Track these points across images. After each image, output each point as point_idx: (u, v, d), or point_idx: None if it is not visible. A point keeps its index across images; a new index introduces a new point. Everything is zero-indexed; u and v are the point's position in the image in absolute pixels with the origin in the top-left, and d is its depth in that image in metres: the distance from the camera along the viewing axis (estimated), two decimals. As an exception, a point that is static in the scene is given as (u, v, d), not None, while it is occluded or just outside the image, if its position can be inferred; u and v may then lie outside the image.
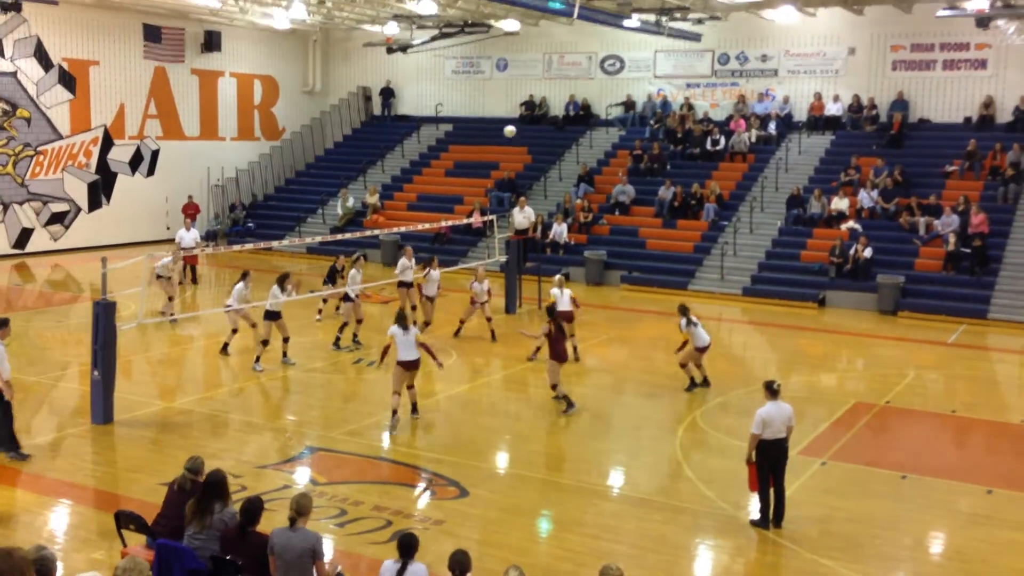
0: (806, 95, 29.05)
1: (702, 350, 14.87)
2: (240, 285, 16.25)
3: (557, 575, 8.84)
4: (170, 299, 19.50)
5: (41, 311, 20.89)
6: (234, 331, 16.72)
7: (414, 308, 18.73)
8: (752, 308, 22.82)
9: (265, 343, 15.95)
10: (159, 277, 19.45)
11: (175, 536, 7.72)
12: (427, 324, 18.25)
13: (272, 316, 15.95)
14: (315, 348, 17.53)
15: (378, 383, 15.70)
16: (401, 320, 13.08)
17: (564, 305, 16.41)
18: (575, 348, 16.70)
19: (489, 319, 18.55)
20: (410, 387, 13.22)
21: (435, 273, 18.63)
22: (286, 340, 16.31)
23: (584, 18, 24.82)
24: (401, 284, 18.97)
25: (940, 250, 23.14)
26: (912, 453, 12.79)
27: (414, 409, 13.31)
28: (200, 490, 7.82)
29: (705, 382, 15.10)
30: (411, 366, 12.98)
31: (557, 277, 17.90)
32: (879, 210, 24.97)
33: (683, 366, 15.04)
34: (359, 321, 17.73)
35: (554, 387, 13.94)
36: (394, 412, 12.90)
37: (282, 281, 16.12)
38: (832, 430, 13.41)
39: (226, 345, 16.78)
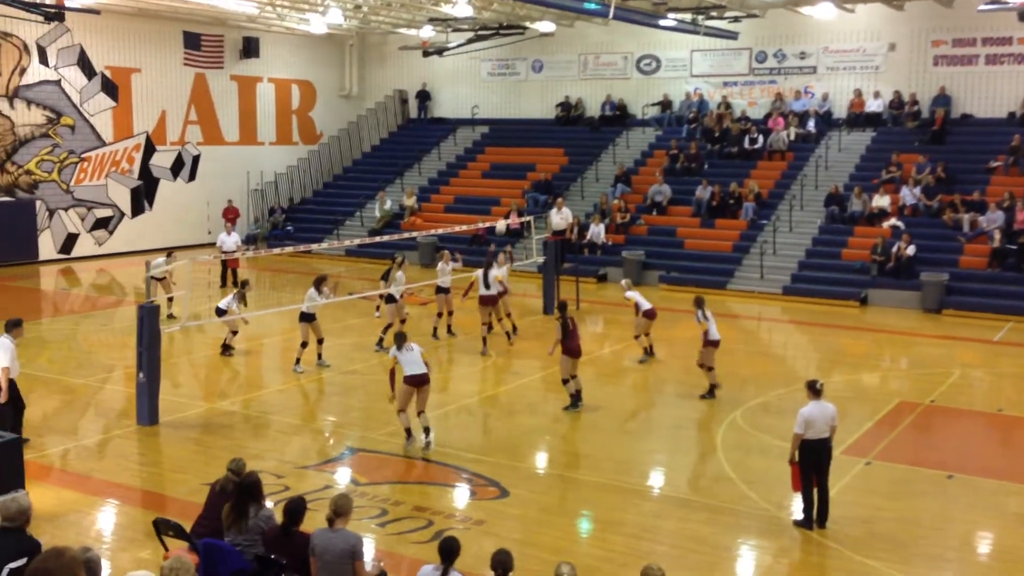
0: (846, 92, 28.74)
1: (714, 344, 14.73)
2: (312, 291, 16.09)
3: (598, 575, 8.81)
4: (169, 299, 19.33)
5: (87, 315, 21.24)
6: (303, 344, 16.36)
7: (451, 314, 18.55)
8: (793, 307, 22.61)
9: (304, 345, 16.04)
10: (155, 279, 19.00)
11: (216, 537, 7.79)
12: (446, 314, 18.42)
13: (307, 318, 15.99)
14: (356, 349, 17.64)
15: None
16: (399, 340, 12.18)
17: (646, 304, 16.52)
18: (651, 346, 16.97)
19: (508, 315, 18.42)
20: (420, 412, 12.18)
21: (449, 266, 18.70)
22: (320, 342, 16.34)
23: (619, 18, 24.75)
24: (439, 290, 18.56)
25: (985, 247, 22.78)
26: (958, 452, 12.60)
27: (426, 432, 12.21)
28: (235, 494, 7.90)
29: (711, 392, 14.63)
30: (418, 381, 12.01)
31: (624, 281, 18.17)
32: (922, 207, 24.63)
33: (701, 366, 14.86)
34: (402, 322, 17.65)
35: (565, 382, 13.86)
36: (407, 432, 12.20)
37: (319, 284, 16.17)
38: (876, 429, 13.24)
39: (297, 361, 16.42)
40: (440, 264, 19.04)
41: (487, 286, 17.53)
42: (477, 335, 17.82)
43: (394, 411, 12.36)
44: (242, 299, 17.06)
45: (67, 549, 5.45)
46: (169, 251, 20.32)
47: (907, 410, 14.24)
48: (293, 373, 15.89)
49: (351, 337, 18.58)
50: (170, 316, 19.07)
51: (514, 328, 18.47)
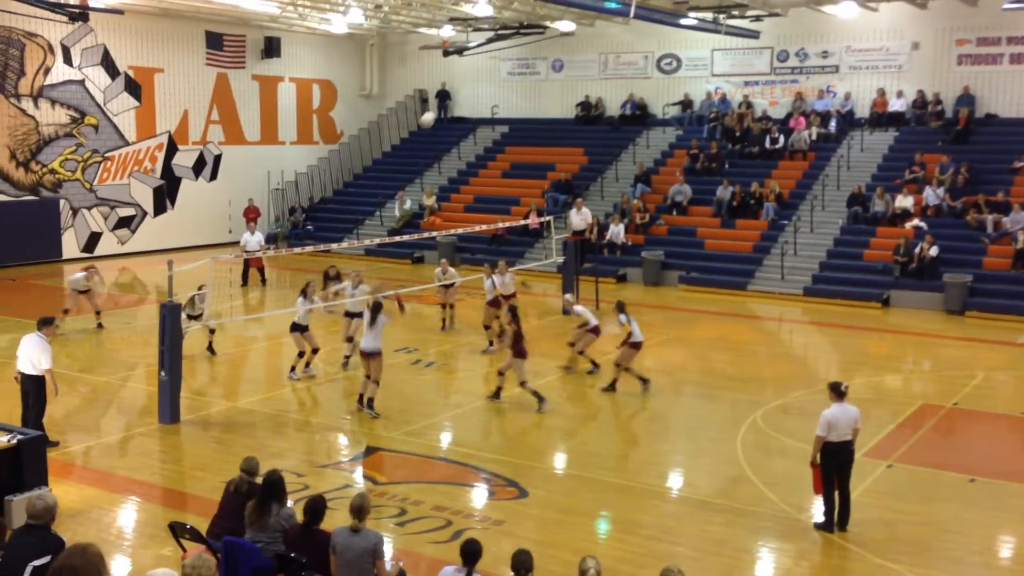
0: (868, 91, 28.55)
1: (636, 347, 14.80)
2: (300, 299, 15.67)
3: (617, 576, 8.81)
4: (65, 312, 18.48)
5: (109, 313, 21.39)
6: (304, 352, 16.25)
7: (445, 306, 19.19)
8: (814, 308, 22.48)
9: (301, 354, 15.54)
10: (77, 292, 18.70)
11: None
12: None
13: (298, 328, 15.43)
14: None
15: (435, 384, 15.81)
16: (373, 310, 13.59)
17: (594, 321, 15.88)
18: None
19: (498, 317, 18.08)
20: (370, 378, 13.60)
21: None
22: (315, 352, 15.75)
23: (640, 17, 24.67)
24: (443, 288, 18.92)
25: (1009, 248, 22.57)
26: (981, 456, 12.50)
27: (368, 404, 13.58)
28: (259, 492, 7.94)
29: (612, 386, 14.82)
30: (366, 354, 13.56)
31: (568, 296, 17.85)
32: (945, 208, 24.43)
33: (618, 366, 14.88)
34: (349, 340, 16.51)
35: (523, 384, 13.94)
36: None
37: (305, 290, 15.58)
38: (898, 432, 13.15)
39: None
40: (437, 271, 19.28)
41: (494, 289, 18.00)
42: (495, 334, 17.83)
43: (414, 409, 12.40)
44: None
45: (90, 545, 5.49)
46: (89, 266, 19.35)
47: (930, 413, 14.13)
48: (315, 365, 15.84)
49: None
50: (99, 326, 19.01)
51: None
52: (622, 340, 14.95)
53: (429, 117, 22.60)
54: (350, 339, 16.30)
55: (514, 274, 18.81)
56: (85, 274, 18.96)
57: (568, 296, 16.63)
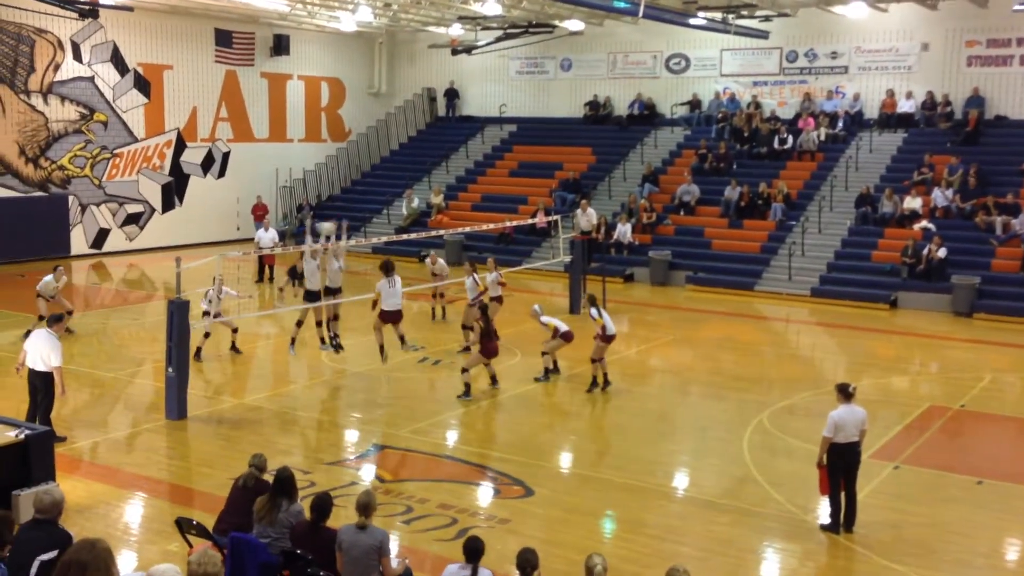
0: (877, 92, 28.47)
1: (608, 340, 14.83)
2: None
3: (622, 576, 8.81)
4: (69, 313, 17.68)
5: (117, 309, 21.47)
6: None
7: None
8: (821, 309, 22.44)
9: (319, 324, 15.66)
10: (43, 298, 17.76)
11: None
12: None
13: (331, 292, 15.57)
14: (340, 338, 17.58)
15: (443, 382, 15.80)
16: (385, 269, 14.58)
17: (564, 327, 15.54)
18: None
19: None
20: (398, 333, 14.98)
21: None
22: (334, 319, 15.98)
23: (649, 17, 24.65)
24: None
25: (1018, 250, 22.51)
26: (988, 458, 12.46)
27: (401, 340, 15.21)
28: (271, 487, 7.96)
29: (605, 382, 14.86)
30: (389, 317, 14.85)
31: (536, 307, 16.20)
32: (954, 209, 24.36)
33: (593, 360, 14.80)
34: (334, 317, 16.36)
35: (463, 371, 14.46)
36: (380, 348, 15.18)
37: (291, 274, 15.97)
38: (905, 434, 13.12)
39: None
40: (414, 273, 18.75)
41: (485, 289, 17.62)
42: (501, 334, 17.78)
43: (421, 406, 12.41)
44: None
45: (98, 541, 5.50)
46: (56, 266, 18.65)
47: (937, 414, 14.10)
48: (320, 370, 15.93)
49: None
50: (68, 331, 18.39)
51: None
52: (595, 334, 14.88)
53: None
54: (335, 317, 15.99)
55: (500, 274, 18.03)
56: (53, 275, 18.06)
57: (536, 307, 16.04)
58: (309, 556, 7.36)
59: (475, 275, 17.73)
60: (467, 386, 14.36)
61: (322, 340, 15.81)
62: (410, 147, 35.65)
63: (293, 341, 15.84)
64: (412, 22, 32.54)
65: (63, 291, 18.70)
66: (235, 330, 16.99)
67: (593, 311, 14.89)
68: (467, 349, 17.01)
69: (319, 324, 15.71)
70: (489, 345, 14.46)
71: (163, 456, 12.04)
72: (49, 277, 17.99)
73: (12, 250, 26.45)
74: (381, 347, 15.40)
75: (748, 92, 30.39)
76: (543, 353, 15.59)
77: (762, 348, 18.89)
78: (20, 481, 9.63)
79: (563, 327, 15.43)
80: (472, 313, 17.12)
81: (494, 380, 14.84)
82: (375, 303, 15.44)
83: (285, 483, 7.89)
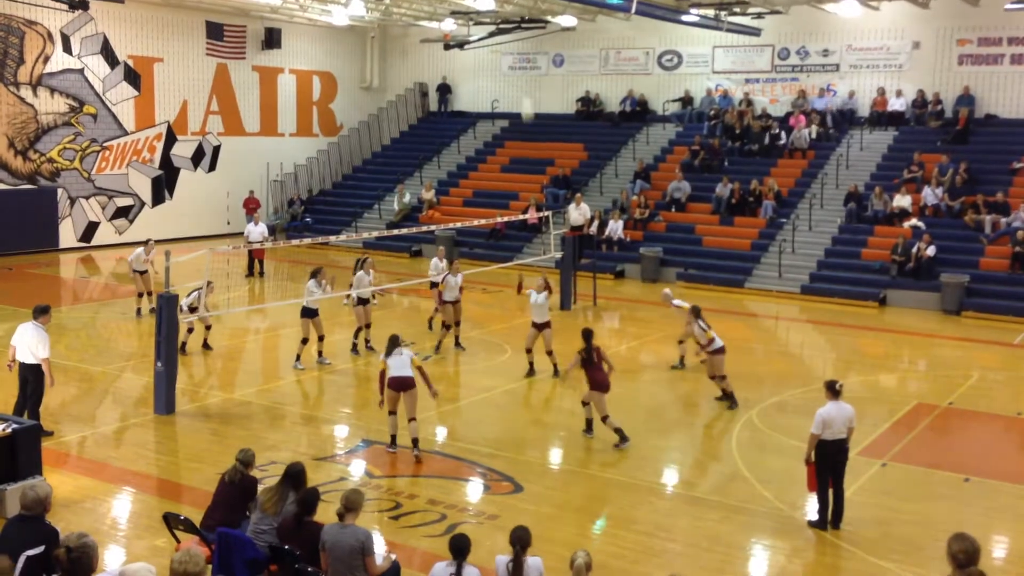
0: (869, 90, 28.55)
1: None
2: (311, 283, 15.78)
3: (610, 572, 8.80)
4: (139, 295, 19.29)
5: (106, 303, 21.38)
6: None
7: (368, 326, 17.03)
8: (811, 307, 22.50)
9: (304, 341, 15.74)
10: (136, 272, 19.16)
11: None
12: (446, 327, 17.15)
13: (309, 313, 15.64)
14: (373, 342, 17.63)
15: (432, 378, 15.76)
16: (390, 344, 11.92)
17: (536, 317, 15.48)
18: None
19: (458, 323, 17.20)
20: (410, 420, 11.72)
21: (456, 274, 17.36)
22: (321, 339, 15.96)
23: (642, 13, 24.67)
24: (433, 285, 18.07)
25: (1007, 249, 22.59)
26: (975, 456, 12.51)
27: (414, 444, 11.72)
28: (281, 479, 8.00)
29: (731, 398, 14.18)
30: (398, 384, 11.60)
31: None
32: (943, 208, 24.43)
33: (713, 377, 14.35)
34: (367, 326, 16.82)
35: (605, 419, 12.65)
36: (392, 438, 11.93)
37: (316, 274, 15.77)
38: (893, 431, 13.17)
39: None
40: (434, 260, 18.48)
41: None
42: (492, 330, 17.82)
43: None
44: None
45: (84, 535, 5.49)
46: (147, 239, 19.88)
47: (925, 412, 14.15)
48: (315, 364, 15.91)
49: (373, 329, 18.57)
50: (138, 312, 19.18)
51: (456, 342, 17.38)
52: (704, 349, 14.40)
53: (528, 110, 20.55)
54: (368, 325, 16.86)
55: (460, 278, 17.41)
56: (143, 249, 19.31)
57: (667, 291, 15.84)
58: (296, 552, 7.35)
59: (448, 275, 17.19)
60: (619, 432, 12.30)
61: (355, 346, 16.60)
62: (402, 142, 35.59)
63: (299, 357, 15.81)
64: (404, 16, 32.47)
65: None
66: (208, 327, 16.96)
67: (701, 323, 14.06)
68: (437, 349, 16.71)
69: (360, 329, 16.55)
70: (597, 376, 12.35)
71: (151, 451, 12.00)
72: (140, 250, 19.09)
73: (1, 243, 26.30)
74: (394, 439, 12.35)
75: (740, 89, 30.42)
76: (680, 341, 15.78)
77: (752, 345, 18.92)
78: (7, 475, 9.59)
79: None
80: (448, 311, 16.91)
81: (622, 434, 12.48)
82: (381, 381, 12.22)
83: (296, 477, 7.93)
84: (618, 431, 12.26)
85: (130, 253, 19.92)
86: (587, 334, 12.59)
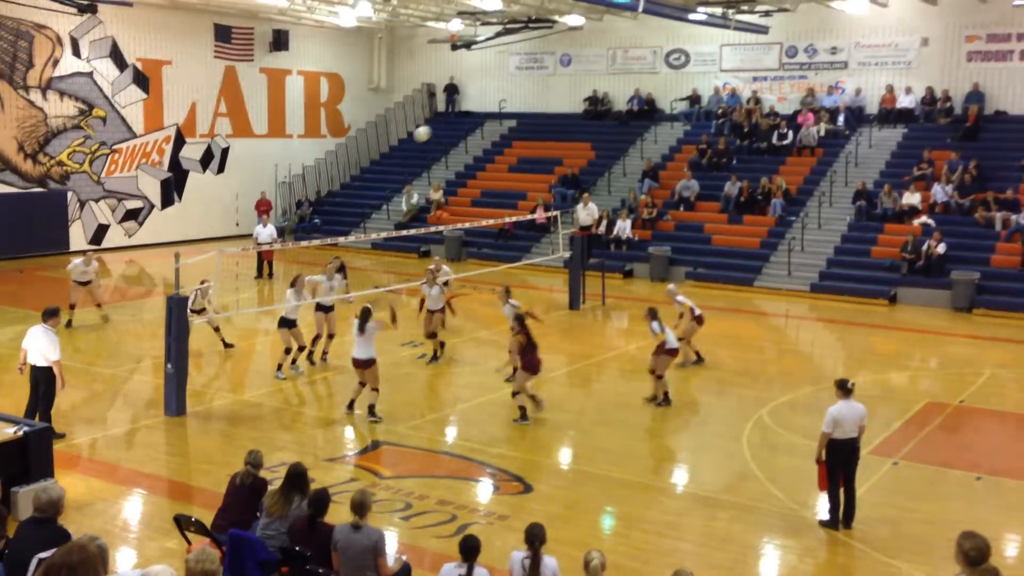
0: (877, 87, 28.44)
1: (673, 353, 14.57)
2: (289, 292, 15.37)
3: (622, 572, 8.79)
4: (71, 306, 18.35)
5: (116, 305, 21.44)
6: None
7: (331, 337, 16.37)
8: (820, 305, 22.43)
9: (288, 351, 15.39)
10: (77, 283, 18.36)
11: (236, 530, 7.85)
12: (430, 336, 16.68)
13: (287, 324, 15.21)
14: (379, 342, 17.57)
15: (441, 378, 15.81)
16: (361, 318, 12.90)
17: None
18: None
19: (435, 334, 16.55)
20: (372, 389, 13.09)
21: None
22: (301, 349, 15.59)
23: (649, 12, 24.64)
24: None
25: (1017, 246, 22.48)
26: (987, 454, 12.46)
27: (369, 410, 12.97)
28: (283, 482, 7.99)
29: (665, 398, 14.11)
30: (355, 363, 13.11)
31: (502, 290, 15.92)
32: (953, 205, 24.34)
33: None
34: (330, 336, 16.21)
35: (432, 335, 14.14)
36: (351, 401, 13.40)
37: (294, 284, 15.24)
38: (904, 430, 13.12)
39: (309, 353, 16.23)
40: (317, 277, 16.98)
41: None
42: (501, 331, 17.77)
43: (420, 403, 12.41)
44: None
45: (90, 542, 5.48)
46: (86, 250, 18.98)
47: (936, 410, 14.09)
48: (323, 366, 15.89)
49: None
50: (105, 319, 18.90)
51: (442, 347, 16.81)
52: (656, 348, 14.32)
53: (424, 131, 19.95)
54: (318, 337, 16.03)
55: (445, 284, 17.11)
56: (82, 260, 18.54)
57: (671, 287, 16.16)
58: (308, 553, 7.36)
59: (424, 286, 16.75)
60: (522, 409, 13.08)
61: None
62: (409, 143, 35.48)
63: (280, 367, 15.45)
64: (412, 17, 32.49)
65: (95, 282, 18.94)
66: (217, 328, 16.99)
67: (655, 325, 14.11)
68: (435, 359, 16.36)
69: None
70: (531, 359, 13.11)
71: (162, 452, 12.04)
72: (79, 260, 18.50)
73: (11, 246, 26.43)
74: (352, 403, 13.61)
75: (748, 87, 30.35)
76: (680, 339, 15.55)
77: (762, 344, 18.89)
78: (19, 478, 9.62)
79: (696, 309, 15.93)
80: (435, 320, 16.54)
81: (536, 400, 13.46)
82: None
83: (297, 478, 7.92)
84: (522, 408, 13.04)
85: (69, 263, 19.09)
86: (520, 319, 13.34)
